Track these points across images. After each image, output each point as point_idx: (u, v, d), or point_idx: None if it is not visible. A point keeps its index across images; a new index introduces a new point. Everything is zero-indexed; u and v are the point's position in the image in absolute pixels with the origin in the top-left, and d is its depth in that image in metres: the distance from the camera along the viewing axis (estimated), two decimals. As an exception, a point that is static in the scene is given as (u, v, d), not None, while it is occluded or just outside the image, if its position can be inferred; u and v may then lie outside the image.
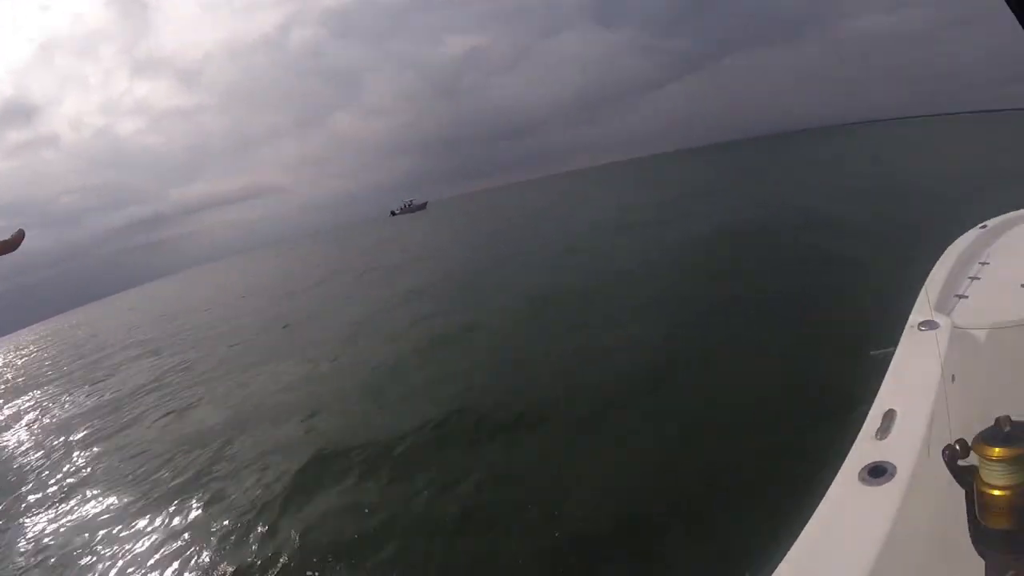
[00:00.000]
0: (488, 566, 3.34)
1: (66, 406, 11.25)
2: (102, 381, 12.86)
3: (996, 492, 0.58)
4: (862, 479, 0.94)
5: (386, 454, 4.99)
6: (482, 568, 3.34)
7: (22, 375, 19.22)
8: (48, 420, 10.52)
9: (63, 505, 5.85)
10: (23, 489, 6.75)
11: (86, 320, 46.81)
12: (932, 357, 1.25)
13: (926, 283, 1.73)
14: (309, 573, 3.65)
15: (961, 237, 2.13)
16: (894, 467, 0.93)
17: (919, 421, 1.05)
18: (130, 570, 4.26)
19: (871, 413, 1.12)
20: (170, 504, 5.12)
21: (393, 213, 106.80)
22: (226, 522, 4.51)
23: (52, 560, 4.76)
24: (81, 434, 8.56)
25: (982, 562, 0.70)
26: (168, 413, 8.29)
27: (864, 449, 1.02)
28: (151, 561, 4.27)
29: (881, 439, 1.03)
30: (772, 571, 0.80)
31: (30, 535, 5.38)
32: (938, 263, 1.88)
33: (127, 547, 4.58)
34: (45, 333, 45.59)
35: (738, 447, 3.85)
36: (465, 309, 10.35)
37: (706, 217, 15.16)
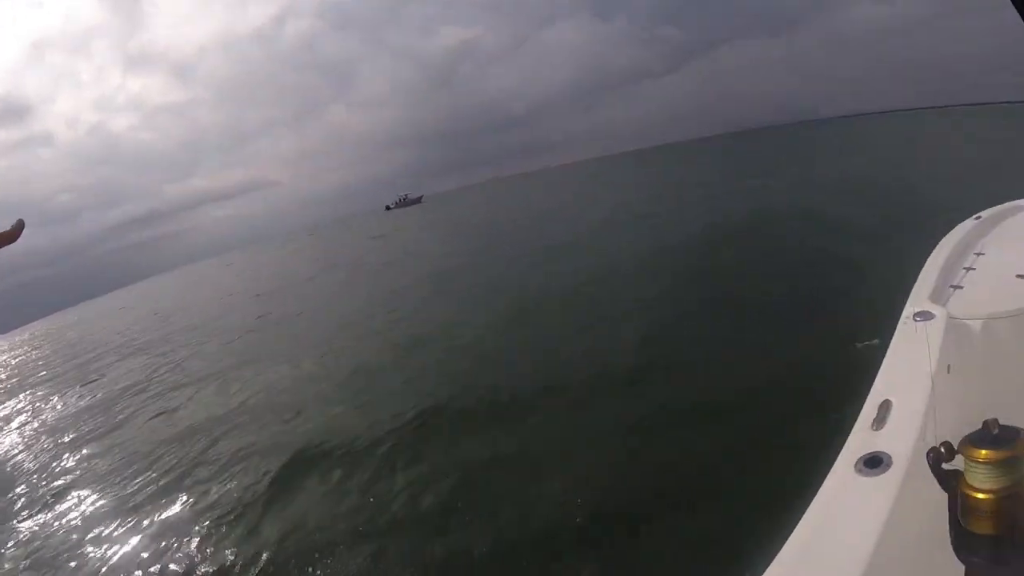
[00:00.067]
0: (470, 558, 3.36)
1: (58, 407, 11.26)
2: (94, 381, 12.87)
3: (980, 495, 0.58)
4: (858, 470, 0.94)
5: (369, 450, 5.04)
6: (463, 559, 3.36)
7: (16, 375, 19.15)
8: (40, 421, 10.51)
9: (54, 504, 5.88)
10: (15, 489, 6.77)
11: (80, 320, 46.57)
12: (928, 347, 1.25)
13: (921, 274, 1.73)
14: (291, 569, 3.69)
15: (956, 228, 2.13)
16: (890, 457, 0.94)
17: (915, 411, 1.06)
18: (114, 568, 4.31)
19: (867, 404, 1.13)
20: (155, 503, 5.17)
21: (388, 207, 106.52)
22: (212, 520, 4.56)
23: (45, 558, 4.79)
24: (72, 435, 8.58)
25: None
26: (158, 414, 8.31)
27: (860, 440, 1.02)
28: (136, 559, 4.32)
29: (877, 430, 1.04)
30: (769, 561, 0.80)
31: (19, 534, 5.41)
32: (933, 254, 1.88)
33: (113, 546, 4.64)
34: (39, 333, 45.35)
35: (733, 439, 3.87)
36: (460, 304, 10.37)
37: (700, 209, 15.17)
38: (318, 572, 3.58)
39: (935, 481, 0.76)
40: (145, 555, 4.35)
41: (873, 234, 8.44)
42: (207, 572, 3.91)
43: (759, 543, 1.00)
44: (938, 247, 1.94)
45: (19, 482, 7.04)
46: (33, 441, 9.02)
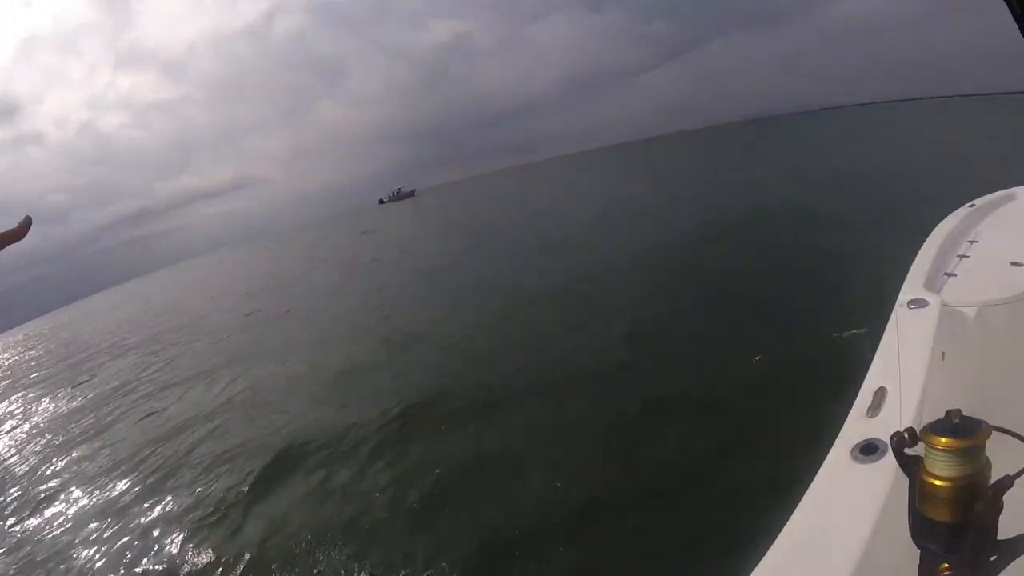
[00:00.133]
0: (454, 554, 3.38)
1: (49, 408, 11.25)
2: (85, 382, 12.87)
3: (937, 482, 0.59)
4: (854, 457, 0.95)
5: (355, 448, 5.09)
6: (448, 555, 3.39)
7: (8, 377, 19.06)
8: (31, 424, 10.50)
9: (41, 507, 5.91)
10: (3, 491, 6.81)
11: (73, 320, 46.27)
12: (922, 335, 1.26)
13: (915, 261, 1.73)
14: (274, 567, 3.73)
15: (949, 216, 2.13)
16: (885, 444, 0.94)
17: (910, 398, 1.06)
18: (100, 569, 4.37)
19: (862, 391, 1.13)
20: (142, 504, 5.22)
21: (381, 201, 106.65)
22: (198, 519, 4.61)
23: (39, 557, 4.84)
24: (63, 437, 8.60)
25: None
26: (148, 415, 8.33)
27: (855, 427, 1.03)
28: (121, 560, 4.38)
29: (872, 417, 1.04)
30: (767, 549, 0.81)
31: (8, 537, 5.43)
32: (927, 242, 1.88)
33: (99, 547, 4.68)
34: (33, 334, 44.97)
35: (728, 433, 3.89)
36: (448, 300, 10.39)
37: (690, 202, 15.19)
38: (301, 570, 3.62)
39: None
40: (129, 555, 4.42)
41: (867, 223, 8.48)
42: (192, 571, 3.97)
43: (756, 531, 1.00)
44: (932, 235, 1.94)
45: (8, 485, 7.07)
46: (25, 443, 9.03)
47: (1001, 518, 0.58)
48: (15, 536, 5.43)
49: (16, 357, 25.79)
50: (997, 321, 1.42)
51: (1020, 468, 0.60)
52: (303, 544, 3.83)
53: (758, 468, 3.26)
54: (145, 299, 37.63)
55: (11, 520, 5.84)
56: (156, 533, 4.61)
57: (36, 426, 10.02)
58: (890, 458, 0.88)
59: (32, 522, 5.61)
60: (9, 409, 12.39)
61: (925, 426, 0.62)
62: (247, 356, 10.10)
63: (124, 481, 5.92)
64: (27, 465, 7.65)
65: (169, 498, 5.18)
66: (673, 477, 3.61)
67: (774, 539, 0.82)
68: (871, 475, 0.89)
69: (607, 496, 3.55)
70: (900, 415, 1.01)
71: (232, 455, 5.69)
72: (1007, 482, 0.57)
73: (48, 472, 7.05)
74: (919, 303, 1.39)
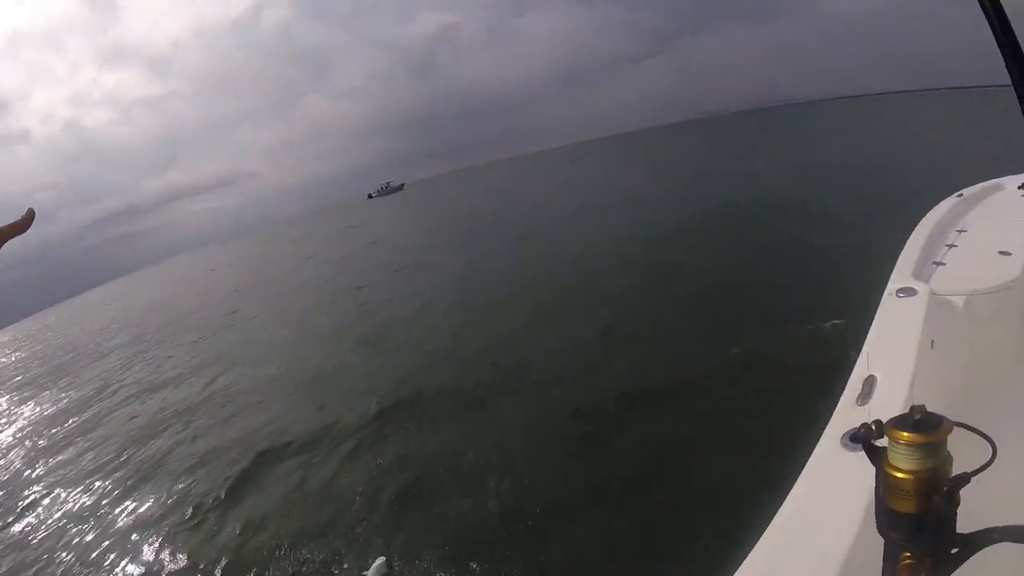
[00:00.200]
0: (427, 548, 3.43)
1: (35, 410, 11.22)
2: (71, 384, 12.81)
3: (899, 475, 0.62)
4: (844, 444, 0.96)
5: (332, 446, 5.18)
6: (422, 549, 3.43)
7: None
8: (15, 427, 10.46)
9: (26, 510, 5.95)
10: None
11: (59, 320, 45.73)
12: (911, 323, 1.27)
13: (903, 251, 1.74)
14: (250, 565, 3.79)
15: (938, 205, 2.14)
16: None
17: (900, 386, 1.07)
18: (87, 564, 4.43)
19: (852, 379, 1.14)
20: (123, 504, 5.29)
21: (370, 196, 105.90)
22: (179, 519, 4.68)
23: (21, 560, 4.88)
24: (47, 441, 8.61)
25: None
26: (132, 417, 8.33)
27: (846, 415, 1.03)
28: (104, 559, 4.44)
29: (862, 405, 1.05)
30: (758, 537, 0.82)
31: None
32: (915, 231, 1.89)
33: (81, 548, 4.74)
34: (20, 336, 44.34)
35: (720, 424, 3.94)
36: (430, 293, 10.39)
37: (679, 192, 15.19)
38: (276, 568, 3.68)
39: None
40: (112, 556, 4.47)
41: (856, 213, 8.56)
42: (175, 569, 4.03)
43: (748, 517, 1.01)
44: (920, 225, 1.95)
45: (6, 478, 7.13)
46: (11, 447, 9.01)
47: (968, 512, 0.61)
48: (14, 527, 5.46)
49: (3, 359, 25.44)
50: (985, 309, 1.43)
51: (978, 465, 0.62)
52: (282, 544, 3.88)
53: (749, 456, 3.29)
54: (132, 297, 37.21)
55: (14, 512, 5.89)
56: (135, 536, 4.66)
57: (21, 429, 9.99)
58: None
59: (15, 528, 5.62)
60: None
61: (889, 420, 0.64)
62: (230, 355, 10.12)
63: (106, 483, 5.96)
64: (9, 471, 7.66)
65: (152, 498, 5.24)
66: (660, 467, 3.63)
67: (766, 525, 0.83)
68: (861, 462, 0.89)
69: (593, 488, 3.59)
70: (889, 403, 1.03)
71: (212, 456, 5.74)
72: (964, 478, 0.60)
73: (32, 476, 7.07)
74: (908, 292, 1.40)
